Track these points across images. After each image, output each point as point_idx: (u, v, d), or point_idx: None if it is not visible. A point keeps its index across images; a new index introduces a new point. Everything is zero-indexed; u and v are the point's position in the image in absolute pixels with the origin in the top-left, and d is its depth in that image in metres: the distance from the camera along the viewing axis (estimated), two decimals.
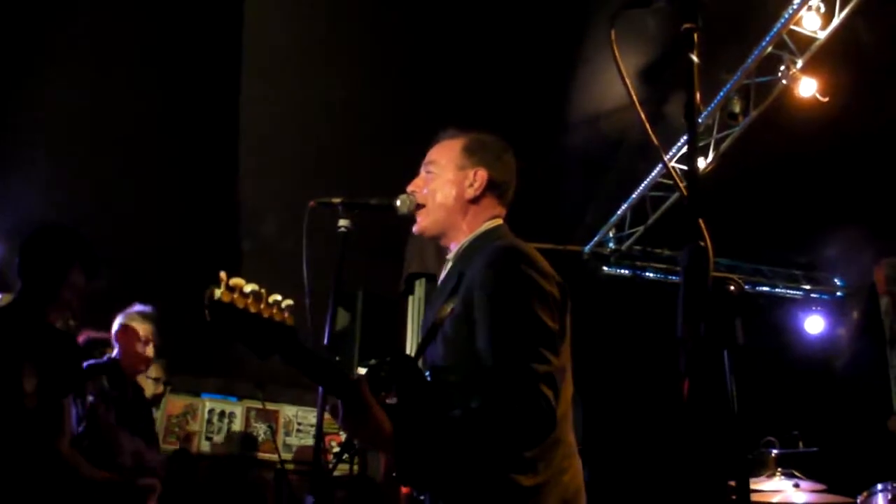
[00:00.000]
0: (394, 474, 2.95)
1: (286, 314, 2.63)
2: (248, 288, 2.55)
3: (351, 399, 2.79)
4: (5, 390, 4.48)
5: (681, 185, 2.13)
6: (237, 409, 10.99)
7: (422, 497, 3.12)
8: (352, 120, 8.48)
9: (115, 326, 6.42)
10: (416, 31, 7.85)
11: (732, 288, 2.04)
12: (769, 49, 7.72)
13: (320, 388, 3.33)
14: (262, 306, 2.57)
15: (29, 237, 4.96)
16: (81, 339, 6.40)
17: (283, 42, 8.00)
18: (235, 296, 2.51)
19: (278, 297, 2.63)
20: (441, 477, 2.92)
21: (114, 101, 8.08)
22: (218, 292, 2.48)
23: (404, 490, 3.24)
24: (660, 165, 9.09)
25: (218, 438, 10.77)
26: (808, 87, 7.69)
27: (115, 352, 6.36)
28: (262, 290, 2.58)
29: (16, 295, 4.85)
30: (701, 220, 1.98)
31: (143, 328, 6.40)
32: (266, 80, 8.30)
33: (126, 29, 7.76)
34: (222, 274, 2.50)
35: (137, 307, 6.51)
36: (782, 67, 7.77)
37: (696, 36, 2.19)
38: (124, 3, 7.67)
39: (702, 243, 1.96)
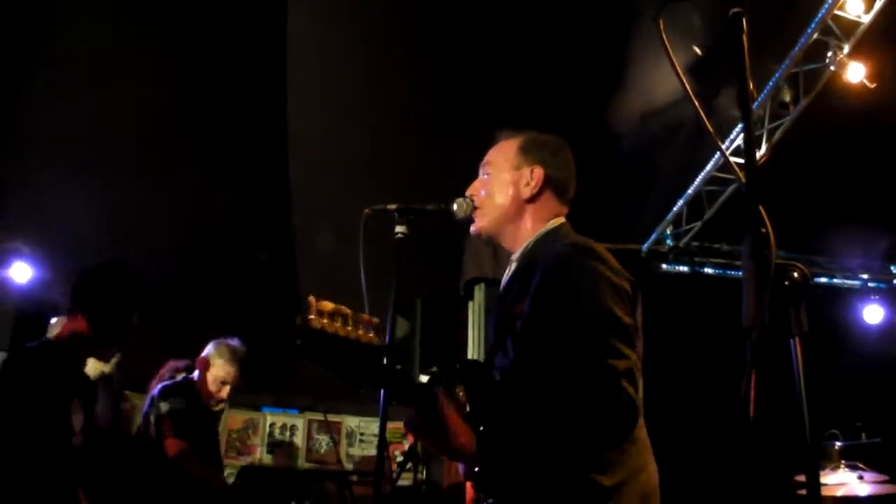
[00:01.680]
0: (473, 482, 2.94)
1: (372, 333, 2.59)
2: (337, 310, 2.51)
3: (430, 412, 2.78)
4: (58, 427, 4.48)
5: (739, 174, 2.10)
6: (298, 422, 11.00)
7: (490, 500, 3.10)
8: (404, 125, 8.49)
9: (205, 353, 6.48)
10: (466, 35, 7.85)
11: (797, 275, 2.00)
12: (815, 36, 7.67)
13: (382, 398, 3.31)
14: (349, 328, 2.53)
15: (93, 273, 4.93)
16: (166, 370, 6.45)
17: (327, 49, 8.02)
18: (325, 321, 2.47)
19: (365, 317, 2.60)
20: (524, 482, 2.90)
21: (161, 115, 8.12)
22: (310, 319, 2.44)
23: (469, 495, 3.23)
24: (714, 159, 9.05)
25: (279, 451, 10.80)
26: (856, 73, 7.63)
27: (195, 374, 6.41)
28: (348, 311, 2.54)
29: (72, 329, 4.80)
30: (761, 208, 1.95)
31: (224, 371, 6.44)
32: (314, 88, 8.32)
33: (173, 40, 7.81)
34: (311, 298, 2.47)
35: (232, 342, 6.55)
36: (829, 54, 7.71)
37: (744, 20, 2.16)
38: (170, 13, 7.71)
39: (763, 230, 1.93)
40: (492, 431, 2.86)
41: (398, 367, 2.79)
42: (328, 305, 2.48)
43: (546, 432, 2.81)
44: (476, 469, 2.91)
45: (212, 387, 6.41)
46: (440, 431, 2.79)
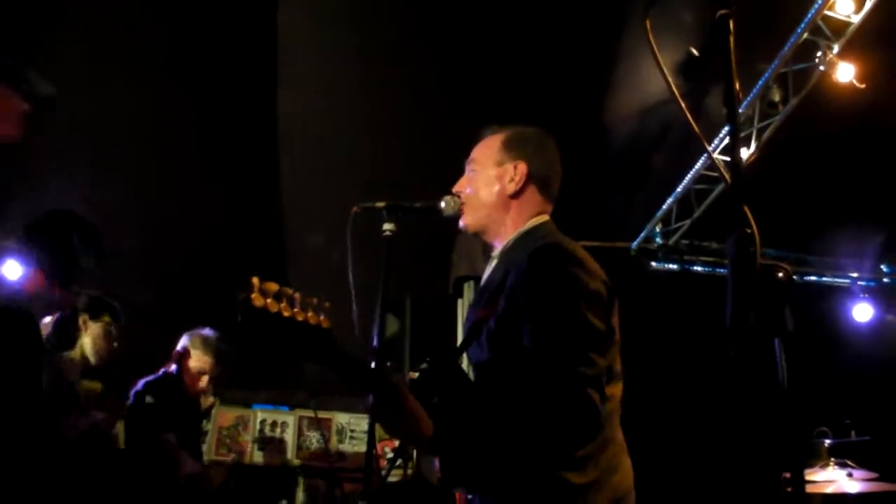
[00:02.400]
0: (438, 476, 2.96)
1: (322, 317, 2.59)
2: (282, 291, 2.51)
3: (385, 397, 2.78)
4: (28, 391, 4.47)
5: (725, 173, 2.12)
6: (289, 419, 11.00)
7: (470, 496, 3.13)
8: (393, 123, 8.50)
9: (179, 347, 6.46)
10: (455, 33, 7.85)
11: (781, 275, 2.02)
12: (805, 35, 7.69)
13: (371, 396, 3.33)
14: (296, 310, 2.53)
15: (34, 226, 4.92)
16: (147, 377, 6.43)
17: (318, 46, 8.03)
18: (269, 300, 2.47)
19: (314, 300, 2.60)
20: (484, 477, 2.91)
21: (152, 110, 8.13)
22: (252, 297, 2.43)
23: (459, 493, 3.25)
24: (703, 158, 9.07)
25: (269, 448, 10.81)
26: (845, 73, 7.66)
27: (172, 367, 6.39)
28: (296, 294, 2.54)
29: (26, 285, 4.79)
30: (746, 208, 1.97)
31: (201, 361, 6.45)
32: (302, 86, 8.33)
33: (163, 36, 7.82)
34: (254, 279, 2.46)
35: (203, 331, 6.54)
36: (819, 53, 7.74)
37: (731, 22, 2.18)
38: (161, 12, 7.71)
39: (748, 230, 1.95)
40: (452, 425, 2.88)
41: (364, 358, 2.81)
42: (273, 286, 2.48)
43: (506, 430, 2.84)
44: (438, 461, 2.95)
45: (190, 379, 6.41)
46: (400, 418, 2.79)
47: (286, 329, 2.50)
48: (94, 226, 5.00)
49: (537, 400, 2.82)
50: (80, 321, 5.83)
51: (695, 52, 7.18)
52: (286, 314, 2.50)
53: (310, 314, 2.56)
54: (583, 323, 2.92)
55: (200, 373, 6.42)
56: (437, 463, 3.03)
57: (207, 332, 6.57)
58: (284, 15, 7.80)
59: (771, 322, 1.99)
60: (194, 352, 6.42)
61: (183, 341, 6.51)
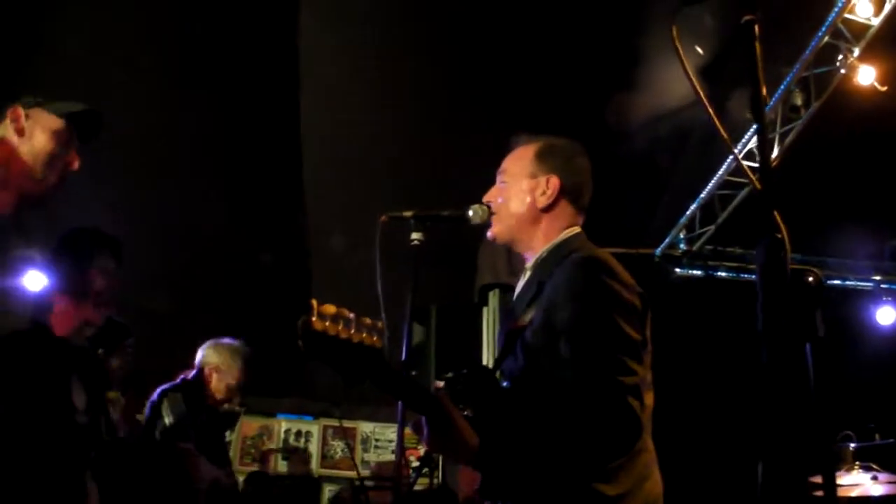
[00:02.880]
0: (476, 488, 2.95)
1: (375, 337, 2.59)
2: (339, 314, 2.51)
3: (435, 415, 2.79)
4: (60, 405, 4.46)
5: (753, 178, 2.10)
6: (313, 428, 11.00)
7: None
8: (417, 131, 8.50)
9: (201, 355, 6.42)
10: (479, 39, 7.86)
11: (811, 279, 2.01)
12: (825, 39, 7.67)
13: (399, 404, 3.32)
14: (352, 331, 2.54)
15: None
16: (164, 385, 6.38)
17: (340, 51, 8.04)
18: (328, 323, 2.48)
19: (368, 321, 2.60)
20: (526, 490, 2.91)
21: (173, 115, 8.14)
22: (312, 321, 2.45)
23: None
24: (727, 163, 9.05)
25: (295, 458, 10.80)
26: (866, 76, 7.64)
27: (191, 374, 6.35)
28: (352, 315, 2.54)
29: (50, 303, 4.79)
30: (776, 213, 1.96)
31: (230, 368, 6.39)
32: (326, 94, 8.34)
33: (184, 40, 7.83)
34: (313, 301, 2.47)
35: (225, 340, 6.49)
36: (840, 57, 7.72)
37: (756, 27, 2.17)
38: (183, 16, 7.73)
39: (778, 235, 1.94)
40: (496, 436, 2.87)
41: (404, 372, 2.80)
42: (330, 309, 2.49)
43: (550, 442, 2.84)
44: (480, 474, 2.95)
45: (216, 388, 6.38)
46: (448, 436, 2.80)
47: (344, 351, 2.52)
48: (118, 243, 4.99)
49: (578, 409, 2.82)
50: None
51: (710, 55, 7.16)
52: (343, 336, 2.51)
53: (364, 335, 2.57)
54: (619, 333, 2.93)
55: (228, 381, 6.37)
56: (464, 474, 3.03)
57: (230, 340, 6.53)
58: (306, 19, 7.81)
59: (802, 327, 1.98)
60: (221, 360, 6.38)
61: (206, 353, 6.46)
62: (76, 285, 4.72)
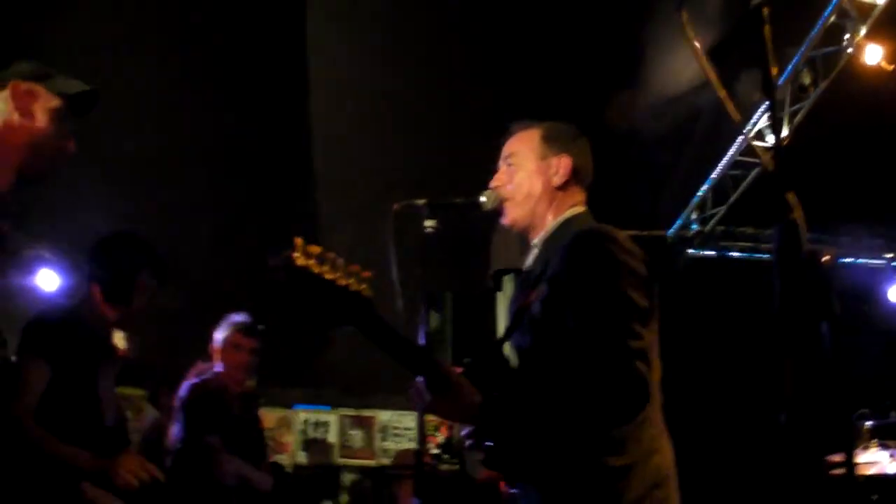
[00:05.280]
0: (482, 458, 2.97)
1: (363, 285, 2.58)
2: (325, 255, 2.49)
3: (431, 372, 2.81)
4: (87, 393, 4.48)
5: (764, 157, 2.12)
6: (331, 418, 11.02)
7: (513, 490, 3.14)
8: (423, 119, 8.50)
9: (216, 341, 6.34)
10: (483, 30, 7.85)
11: (826, 258, 2.03)
12: (832, 19, 7.65)
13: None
14: (338, 274, 2.51)
15: (96, 244, 4.89)
16: (193, 371, 6.33)
17: (348, 48, 8.04)
18: (311, 261, 2.44)
19: (356, 268, 2.58)
20: (530, 454, 2.94)
21: (183, 112, 8.15)
22: (294, 256, 2.41)
23: (503, 488, 3.26)
24: (737, 143, 9.04)
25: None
26: (873, 55, 7.62)
27: (217, 366, 6.28)
28: (339, 259, 2.52)
29: (85, 296, 4.78)
30: (791, 193, 1.97)
31: (233, 338, 6.29)
32: (334, 87, 8.33)
33: (194, 38, 7.84)
34: (298, 240, 2.44)
35: (235, 317, 6.40)
36: (846, 36, 7.71)
37: (765, 10, 2.18)
38: (192, 14, 7.74)
39: (793, 216, 1.95)
40: (501, 397, 2.89)
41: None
42: (316, 249, 2.47)
43: (557, 409, 2.86)
44: (485, 443, 2.96)
45: (234, 369, 6.28)
46: (448, 394, 2.82)
47: (327, 291, 2.49)
48: (164, 264, 5.00)
49: (585, 375, 2.83)
50: None
51: (716, 37, 7.15)
52: (328, 276, 2.49)
53: (351, 280, 2.54)
54: (625, 298, 2.94)
55: (241, 357, 6.26)
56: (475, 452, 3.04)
57: (237, 316, 6.45)
58: (313, 13, 7.81)
59: (818, 306, 1.99)
60: (226, 333, 6.30)
61: (219, 334, 6.38)
62: (117, 295, 4.75)
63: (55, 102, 3.41)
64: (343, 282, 2.53)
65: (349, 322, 2.59)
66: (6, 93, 3.30)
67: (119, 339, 5.75)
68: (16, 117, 3.28)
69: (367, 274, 2.61)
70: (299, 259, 2.42)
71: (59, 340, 4.39)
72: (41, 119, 3.35)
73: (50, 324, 4.52)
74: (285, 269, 2.42)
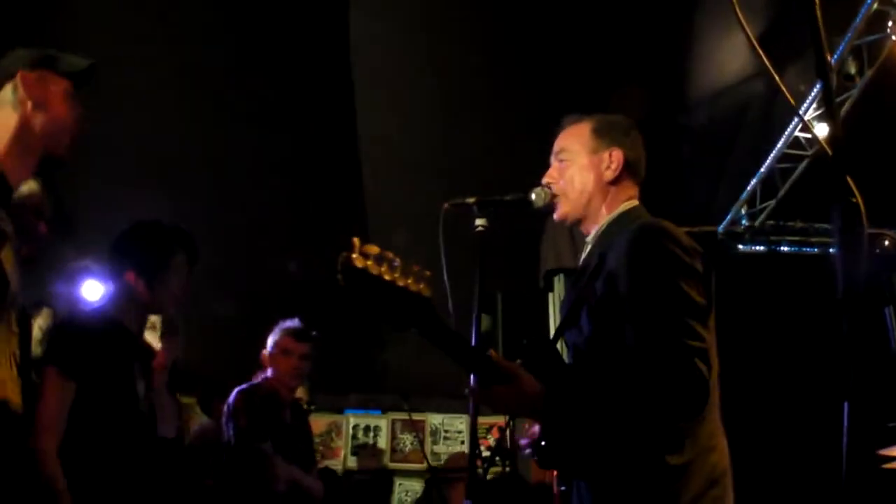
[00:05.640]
0: (536, 458, 2.95)
1: (422, 285, 2.55)
2: (384, 255, 2.47)
3: (492, 370, 2.79)
4: (125, 392, 4.45)
5: (824, 144, 2.08)
6: (382, 423, 11.04)
7: (563, 487, 3.12)
8: (471, 117, 8.49)
9: (268, 347, 6.37)
10: (529, 21, 7.83)
11: (887, 243, 1.99)
12: (875, 6, 7.57)
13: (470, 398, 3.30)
14: (397, 275, 2.49)
15: (122, 234, 4.83)
16: (241, 386, 6.32)
17: (392, 51, 8.04)
18: (370, 262, 2.42)
19: (416, 268, 2.56)
20: (589, 451, 2.92)
21: (231, 118, 8.18)
22: (353, 257, 2.39)
23: (556, 490, 3.24)
24: (786, 134, 8.95)
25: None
26: None
27: (268, 371, 6.31)
28: (397, 259, 2.50)
29: (117, 291, 4.72)
30: (849, 177, 1.93)
31: (284, 342, 6.31)
32: (380, 86, 8.34)
33: (237, 43, 7.86)
34: (356, 240, 2.42)
35: (287, 323, 6.43)
36: (890, 23, 7.62)
37: None
38: (228, 15, 7.76)
39: (853, 199, 1.92)
40: (562, 389, 2.86)
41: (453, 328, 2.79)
42: (374, 249, 2.44)
43: (617, 407, 2.83)
44: (541, 442, 2.93)
45: (282, 373, 6.30)
46: (508, 388, 2.79)
47: (386, 292, 2.47)
48: (195, 246, 4.96)
49: (645, 373, 2.81)
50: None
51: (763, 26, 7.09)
52: (387, 277, 2.46)
53: (410, 280, 2.52)
54: (684, 296, 2.92)
55: (292, 362, 6.28)
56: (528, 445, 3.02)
57: (290, 322, 6.48)
58: (357, 11, 7.82)
59: (880, 291, 1.96)
60: (278, 340, 6.33)
61: (271, 338, 6.41)
62: (154, 272, 4.69)
63: (65, 84, 3.40)
64: (402, 282, 2.51)
65: (410, 324, 2.57)
66: (15, 83, 3.27)
67: (153, 338, 5.78)
68: (31, 108, 3.26)
69: (426, 273, 2.60)
70: (358, 260, 2.40)
71: (80, 349, 4.28)
72: (57, 106, 3.34)
73: (69, 332, 4.42)
74: (344, 272, 2.40)
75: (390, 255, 2.49)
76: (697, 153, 8.99)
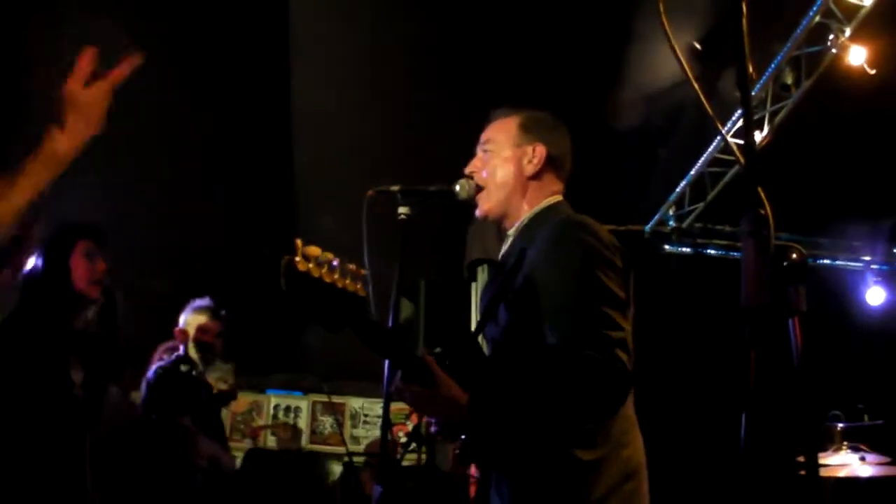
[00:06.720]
0: (457, 451, 2.97)
1: (359, 284, 2.60)
2: (324, 257, 2.51)
3: (420, 371, 2.81)
4: (58, 381, 4.46)
5: (739, 155, 2.11)
6: (303, 404, 11.04)
7: (478, 475, 3.14)
8: (404, 107, 8.49)
9: (180, 324, 6.39)
10: (467, 17, 7.84)
11: (795, 255, 2.03)
12: (817, 19, 7.65)
13: (385, 379, 3.32)
14: (336, 276, 2.53)
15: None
16: (157, 353, 6.33)
17: (330, 32, 8.02)
18: (311, 265, 2.47)
19: (353, 267, 2.61)
20: (508, 448, 2.93)
21: (163, 100, 8.11)
22: (295, 261, 2.44)
23: (472, 475, 3.26)
24: (716, 141, 9.04)
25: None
26: (857, 56, 7.61)
27: (181, 349, 6.30)
28: (336, 259, 2.54)
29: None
30: (760, 189, 1.97)
31: (197, 321, 6.35)
32: (316, 72, 8.31)
33: (171, 31, 7.80)
34: (298, 241, 2.46)
35: (196, 302, 6.46)
36: (831, 36, 7.70)
37: (744, 4, 2.18)
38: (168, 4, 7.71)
39: (762, 211, 1.95)
40: (485, 394, 2.88)
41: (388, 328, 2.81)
42: (315, 250, 2.49)
43: (538, 405, 2.85)
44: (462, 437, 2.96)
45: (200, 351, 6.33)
46: (435, 393, 2.82)
47: (326, 294, 2.51)
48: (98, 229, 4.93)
49: (565, 364, 2.83)
50: None
51: (697, 45, 7.14)
52: (327, 280, 2.51)
53: (347, 281, 2.57)
54: (603, 288, 2.96)
55: (207, 340, 6.31)
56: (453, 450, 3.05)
57: (198, 301, 6.50)
58: (295, 4, 7.80)
59: (785, 302, 1.99)
60: (189, 318, 6.35)
61: (182, 317, 6.43)
62: (57, 276, 4.69)
63: None
64: (341, 283, 2.55)
65: (347, 324, 2.61)
66: None
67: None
68: None
69: (362, 271, 2.64)
70: (300, 264, 2.45)
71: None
72: None
73: None
74: (287, 276, 2.45)
75: (330, 255, 2.54)
76: (629, 153, 9.04)
